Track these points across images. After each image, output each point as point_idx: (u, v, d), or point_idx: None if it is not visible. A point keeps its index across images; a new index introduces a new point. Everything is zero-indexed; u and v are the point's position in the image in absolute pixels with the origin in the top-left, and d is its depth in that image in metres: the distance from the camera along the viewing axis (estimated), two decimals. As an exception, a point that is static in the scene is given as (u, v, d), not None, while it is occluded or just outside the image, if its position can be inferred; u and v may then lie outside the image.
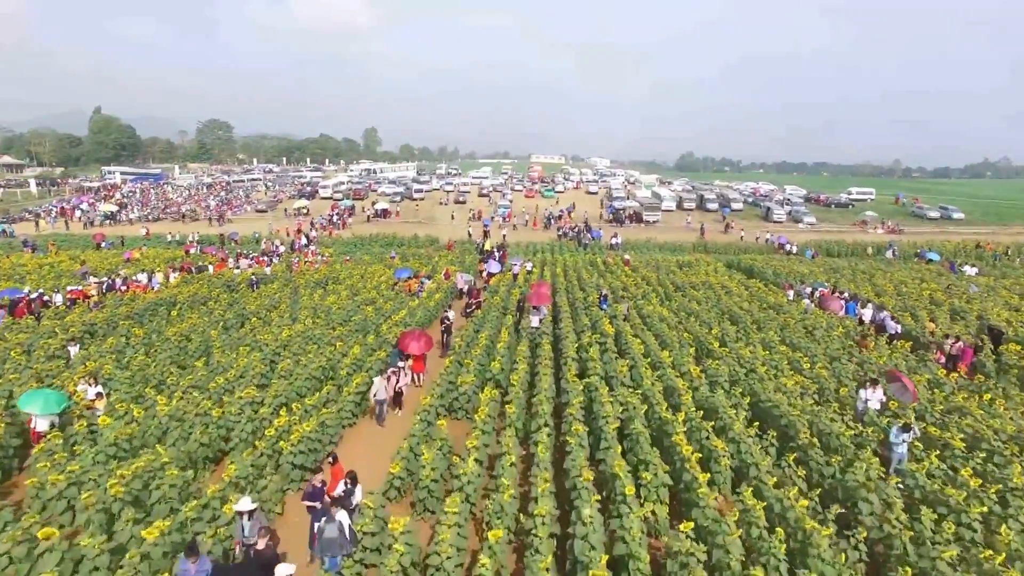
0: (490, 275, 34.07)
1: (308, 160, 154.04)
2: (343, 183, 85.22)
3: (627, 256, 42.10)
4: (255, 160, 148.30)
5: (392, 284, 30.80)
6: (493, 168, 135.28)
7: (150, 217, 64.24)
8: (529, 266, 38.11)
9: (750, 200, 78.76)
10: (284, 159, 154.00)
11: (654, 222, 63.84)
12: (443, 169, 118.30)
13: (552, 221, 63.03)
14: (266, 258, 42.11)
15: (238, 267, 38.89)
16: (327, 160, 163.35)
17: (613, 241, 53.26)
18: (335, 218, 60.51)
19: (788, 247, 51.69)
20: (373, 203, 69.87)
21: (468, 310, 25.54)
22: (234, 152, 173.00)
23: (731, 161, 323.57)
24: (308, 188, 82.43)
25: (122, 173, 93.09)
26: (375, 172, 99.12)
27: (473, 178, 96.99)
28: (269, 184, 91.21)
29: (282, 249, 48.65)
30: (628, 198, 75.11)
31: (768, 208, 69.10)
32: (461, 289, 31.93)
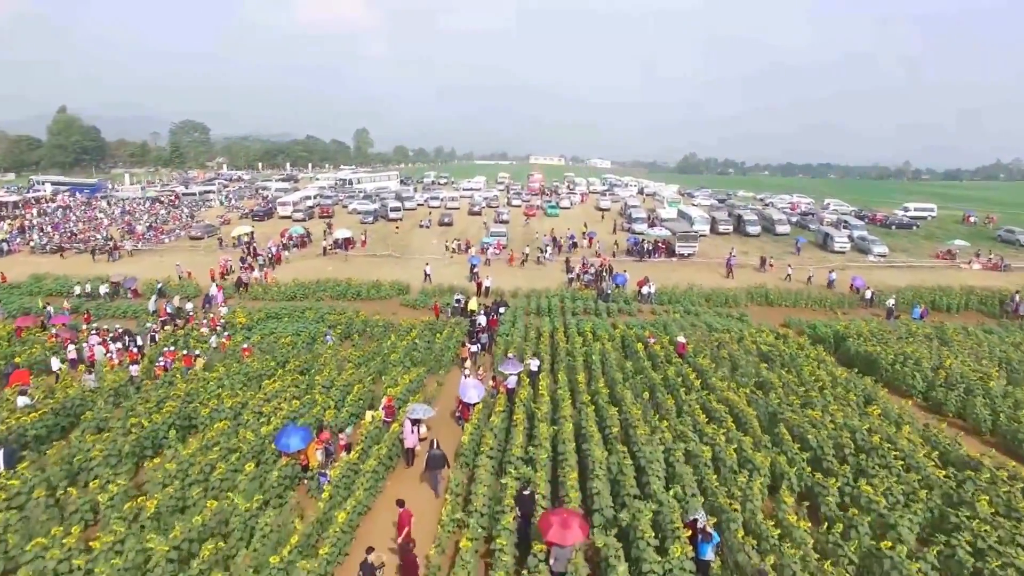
0: (466, 407, 19.24)
1: (289, 165, 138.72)
2: (309, 197, 70.14)
3: (681, 338, 27.18)
4: (224, 166, 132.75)
5: (275, 457, 15.87)
6: (489, 176, 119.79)
7: (48, 248, 49.21)
8: (535, 365, 23.32)
9: (794, 220, 63.89)
10: (260, 164, 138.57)
11: (689, 255, 48.89)
12: (431, 177, 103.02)
13: (551, 251, 48.00)
14: (134, 344, 27.15)
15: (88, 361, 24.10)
16: (311, 165, 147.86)
17: (645, 291, 38.41)
18: (267, 253, 45.34)
19: (886, 301, 36.97)
20: (329, 226, 54.92)
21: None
22: (214, 155, 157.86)
23: (734, 163, 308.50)
24: (263, 205, 67.32)
25: (53, 183, 77.83)
26: (350, 183, 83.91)
27: (464, 190, 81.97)
28: (225, 198, 76.03)
29: (190, 307, 33.88)
30: (651, 219, 60.17)
31: (827, 235, 54.13)
32: (410, 449, 17.09)
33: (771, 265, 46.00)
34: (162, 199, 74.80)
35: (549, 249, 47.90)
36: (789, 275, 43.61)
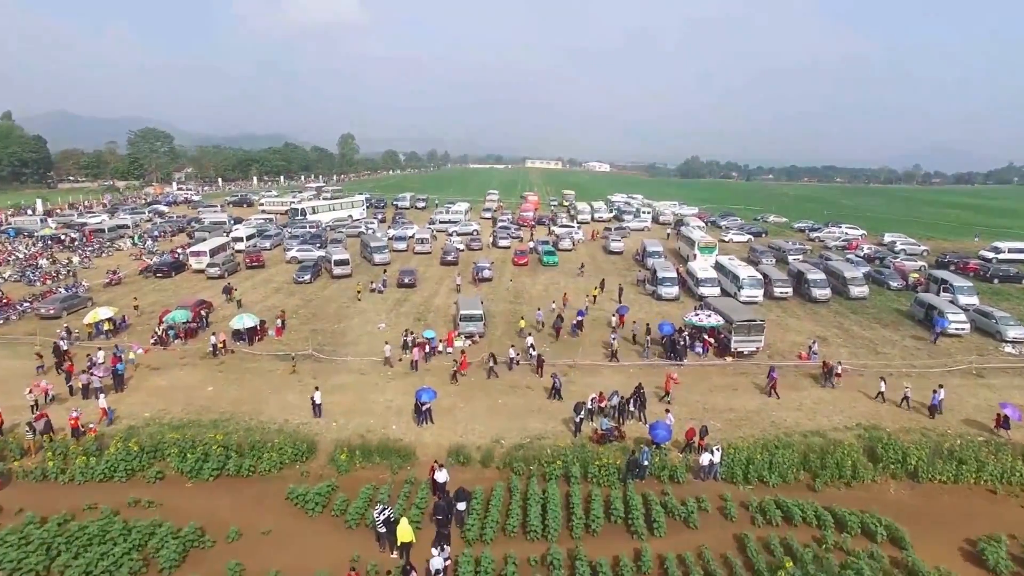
0: None
1: (256, 179, 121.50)
2: (240, 240, 53.70)
3: None
4: (174, 183, 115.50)
5: None
6: (481, 184, 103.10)
7: None
8: None
9: (864, 271, 47.47)
10: (220, 179, 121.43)
11: (751, 353, 32.49)
12: (406, 200, 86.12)
13: (534, 349, 31.58)
14: None
15: None
16: (283, 177, 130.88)
17: (705, 461, 22.21)
18: (104, 372, 27.82)
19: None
20: (229, 292, 38.83)
21: None
22: (182, 165, 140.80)
23: (737, 166, 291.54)
24: (174, 254, 50.83)
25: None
26: (302, 214, 66.92)
27: (440, 222, 65.45)
28: (139, 237, 59.22)
29: None
30: (681, 276, 43.83)
31: (929, 307, 37.68)
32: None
33: (839, 375, 29.34)
34: (62, 236, 58.23)
35: (532, 347, 31.32)
36: (882, 393, 27.47)
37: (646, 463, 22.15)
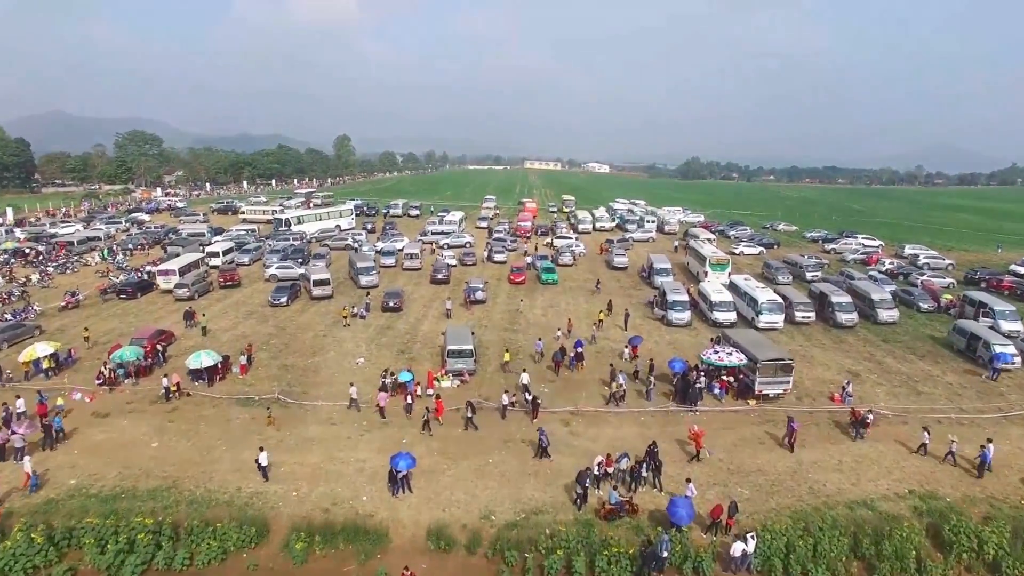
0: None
1: (245, 184, 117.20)
2: (216, 255, 49.56)
3: None
4: (159, 188, 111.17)
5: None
6: (476, 188, 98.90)
7: None
8: None
9: (890, 289, 43.16)
10: (208, 184, 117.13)
11: (778, 396, 28.27)
12: (399, 208, 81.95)
13: (529, 389, 27.51)
14: None
15: None
16: (274, 181, 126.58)
17: (737, 551, 18.14)
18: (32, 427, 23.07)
19: None
20: (191, 316, 34.79)
21: None
22: (172, 168, 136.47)
23: (738, 166, 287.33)
24: (142, 271, 46.77)
25: None
26: (286, 224, 62.69)
27: (432, 233, 61.29)
28: (108, 251, 54.97)
29: None
30: (694, 300, 39.66)
31: (972, 336, 33.42)
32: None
33: (868, 424, 25.12)
34: (26, 250, 54.01)
35: (527, 388, 27.39)
36: (925, 444, 23.43)
37: (665, 554, 18.10)
